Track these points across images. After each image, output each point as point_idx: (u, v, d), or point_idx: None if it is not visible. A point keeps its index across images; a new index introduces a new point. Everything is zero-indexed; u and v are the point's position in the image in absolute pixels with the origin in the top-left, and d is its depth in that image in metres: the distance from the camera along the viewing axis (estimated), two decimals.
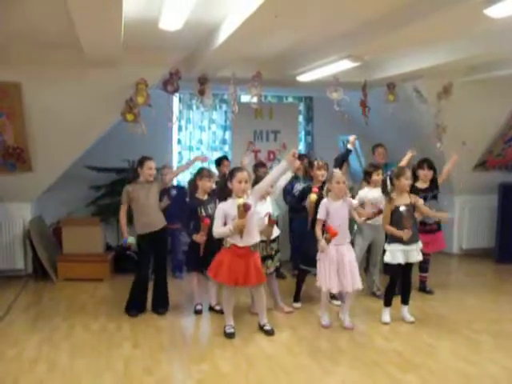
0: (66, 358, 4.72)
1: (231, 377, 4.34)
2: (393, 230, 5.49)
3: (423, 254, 5.90)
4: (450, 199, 8.84)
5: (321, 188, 5.94)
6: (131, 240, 5.80)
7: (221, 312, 5.87)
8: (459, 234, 9.07)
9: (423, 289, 6.68)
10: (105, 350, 4.90)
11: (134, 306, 5.91)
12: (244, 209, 4.86)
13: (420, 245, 5.57)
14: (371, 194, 6.21)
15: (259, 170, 6.94)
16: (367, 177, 6.35)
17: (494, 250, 8.60)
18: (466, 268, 8.37)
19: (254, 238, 5.15)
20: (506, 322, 5.74)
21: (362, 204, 6.09)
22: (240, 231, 4.96)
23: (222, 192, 5.32)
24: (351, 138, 6.76)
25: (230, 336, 5.20)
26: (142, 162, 5.89)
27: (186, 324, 5.84)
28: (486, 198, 8.79)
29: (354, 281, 5.35)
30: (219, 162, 7.75)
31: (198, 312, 5.99)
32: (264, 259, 5.61)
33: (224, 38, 4.84)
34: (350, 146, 6.77)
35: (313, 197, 5.81)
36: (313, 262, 5.67)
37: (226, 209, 5.06)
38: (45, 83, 6.27)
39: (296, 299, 6.24)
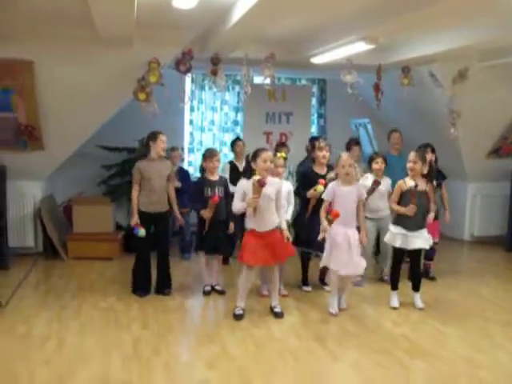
0: (75, 335, 4.74)
1: (239, 359, 4.33)
2: (397, 207, 5.48)
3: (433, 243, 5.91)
4: (463, 186, 8.78)
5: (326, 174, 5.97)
6: (142, 233, 5.72)
7: (221, 292, 5.95)
8: (471, 221, 9.00)
9: (426, 275, 6.59)
10: (113, 329, 4.91)
11: (140, 286, 5.91)
12: (259, 184, 4.89)
13: (425, 233, 5.52)
14: (370, 182, 6.24)
15: (281, 150, 6.86)
16: (369, 164, 6.34)
17: (506, 238, 8.53)
18: (477, 255, 8.32)
19: (271, 223, 5.18)
20: None
21: None
22: (254, 207, 5.01)
23: (241, 173, 5.34)
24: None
25: (238, 318, 5.20)
26: (155, 135, 5.81)
27: (195, 305, 5.85)
28: (499, 185, 8.71)
29: (357, 265, 5.33)
30: (233, 144, 7.69)
31: (206, 293, 5.99)
32: None
33: (238, 18, 4.78)
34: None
35: (319, 188, 5.76)
36: (310, 243, 5.74)
37: (247, 187, 5.08)
38: (57, 61, 6.24)
39: (305, 283, 6.24)
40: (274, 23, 5.10)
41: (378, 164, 6.25)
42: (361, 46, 5.91)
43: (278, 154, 5.81)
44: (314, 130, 9.64)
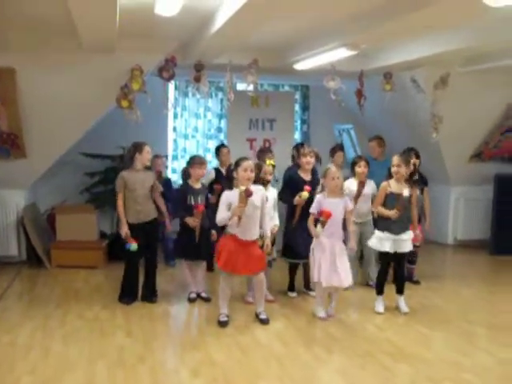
0: (60, 344, 4.71)
1: (224, 365, 4.32)
2: (382, 210, 5.51)
3: (414, 247, 5.93)
4: (446, 190, 8.84)
5: (311, 182, 5.98)
6: (134, 248, 5.66)
7: (207, 299, 5.95)
8: (454, 225, 9.07)
9: (409, 279, 6.58)
10: (98, 337, 4.88)
11: (127, 294, 5.89)
12: (245, 194, 4.89)
13: (411, 235, 5.56)
14: (355, 185, 6.27)
15: (269, 156, 6.85)
16: (352, 168, 6.40)
17: (489, 242, 8.60)
18: (461, 259, 8.38)
19: (254, 233, 5.19)
20: (500, 313, 5.76)
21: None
22: (238, 217, 4.98)
23: (224, 182, 5.35)
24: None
25: (223, 324, 5.19)
26: (140, 146, 5.76)
27: (180, 312, 5.83)
28: (482, 189, 8.79)
29: (346, 276, 5.34)
30: (218, 151, 7.58)
31: (191, 300, 5.97)
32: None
33: (221, 24, 4.79)
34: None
35: (304, 195, 5.80)
36: (298, 254, 5.86)
37: (231, 197, 5.06)
38: (39, 69, 6.22)
39: (290, 289, 6.26)
40: (256, 30, 5.11)
41: (361, 168, 6.29)
42: (343, 52, 5.94)
43: (268, 162, 5.81)
44: (297, 136, 9.67)
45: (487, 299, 6.26)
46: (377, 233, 5.61)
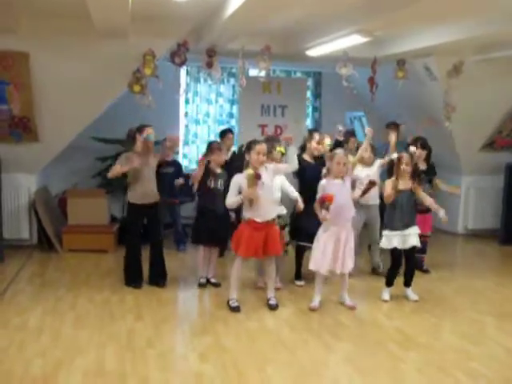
0: (70, 328, 4.75)
1: (233, 351, 4.34)
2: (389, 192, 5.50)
3: (422, 236, 5.94)
4: (457, 179, 8.80)
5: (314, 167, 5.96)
6: (151, 137, 5.68)
7: (217, 285, 5.97)
8: (465, 214, 9.03)
9: (420, 267, 6.58)
10: (108, 321, 4.92)
11: (133, 279, 5.91)
12: (255, 177, 4.90)
13: (417, 230, 5.56)
14: (364, 172, 6.20)
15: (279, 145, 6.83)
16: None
17: (499, 231, 8.57)
18: (471, 248, 8.36)
19: (271, 213, 5.21)
20: (509, 303, 5.75)
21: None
22: (250, 200, 5.00)
23: (235, 164, 5.30)
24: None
25: (235, 309, 5.21)
26: (140, 128, 5.76)
27: (189, 297, 5.86)
28: (493, 178, 8.73)
29: (344, 263, 5.32)
30: (223, 135, 7.51)
31: (201, 285, 6.00)
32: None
33: (234, 9, 4.75)
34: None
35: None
36: (308, 237, 5.67)
37: (241, 180, 5.07)
38: (52, 53, 6.23)
39: (298, 277, 6.24)
40: (269, 15, 5.09)
41: (367, 153, 6.26)
42: (356, 39, 5.92)
43: (278, 149, 5.77)
44: (308, 122, 9.64)
45: (496, 289, 6.24)
46: (384, 232, 5.63)
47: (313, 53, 7.03)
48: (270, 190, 5.17)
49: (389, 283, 5.71)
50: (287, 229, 5.94)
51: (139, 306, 5.35)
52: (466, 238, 8.91)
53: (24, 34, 6.02)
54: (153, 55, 6.39)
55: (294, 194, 5.71)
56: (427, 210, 6.15)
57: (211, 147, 5.99)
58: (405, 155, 5.53)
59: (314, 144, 6.09)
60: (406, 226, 5.50)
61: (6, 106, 6.60)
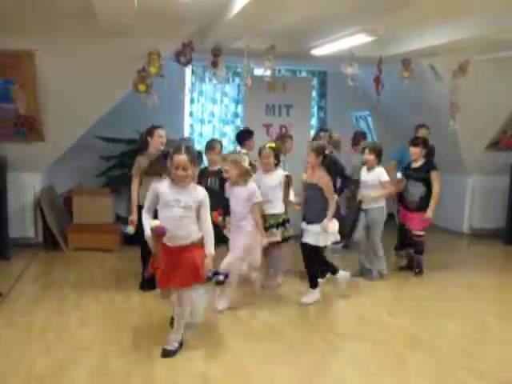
0: (75, 326, 4.77)
1: (238, 350, 4.36)
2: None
3: (415, 236, 6.17)
4: (462, 179, 8.78)
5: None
6: (130, 231, 5.55)
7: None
8: (470, 214, 9.01)
9: (417, 267, 6.52)
10: (113, 321, 4.93)
11: (148, 282, 5.48)
12: (156, 233, 3.99)
13: (315, 229, 5.36)
14: (370, 176, 6.21)
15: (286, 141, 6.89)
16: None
17: (504, 231, 8.54)
18: (476, 248, 8.34)
19: (185, 237, 4.11)
20: None
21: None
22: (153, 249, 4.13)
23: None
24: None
25: (166, 354, 4.21)
26: (150, 131, 5.73)
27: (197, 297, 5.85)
28: (498, 178, 8.70)
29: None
30: (247, 137, 6.91)
31: (219, 283, 5.92)
32: (268, 227, 5.58)
33: (239, 8, 4.76)
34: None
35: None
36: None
37: (159, 189, 4.15)
38: (58, 52, 6.25)
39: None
40: (274, 15, 5.09)
41: (366, 154, 6.24)
42: (361, 38, 5.91)
43: (267, 145, 5.76)
44: (313, 122, 9.64)
45: (501, 289, 6.25)
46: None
47: (318, 52, 7.03)
48: (187, 211, 4.08)
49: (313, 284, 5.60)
50: (287, 224, 5.84)
51: (144, 305, 5.36)
52: (471, 237, 8.89)
53: (30, 33, 6.04)
54: (158, 54, 6.40)
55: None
56: (418, 209, 6.16)
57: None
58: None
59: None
60: (307, 221, 5.44)
61: (11, 106, 6.62)
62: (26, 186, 7.49)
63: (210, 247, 4.19)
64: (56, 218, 7.58)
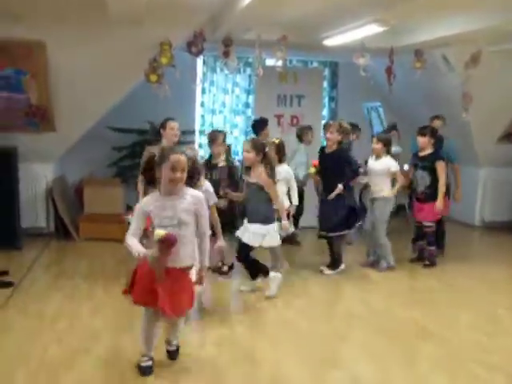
0: (87, 316, 4.79)
1: (248, 341, 4.36)
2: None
3: (424, 226, 6.22)
4: (474, 171, 8.73)
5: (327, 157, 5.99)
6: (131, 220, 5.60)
7: (225, 273, 5.82)
8: (482, 207, 8.97)
9: (430, 260, 6.51)
10: (124, 309, 4.93)
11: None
12: (169, 242, 3.43)
13: (254, 229, 5.18)
14: (376, 165, 6.22)
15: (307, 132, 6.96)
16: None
17: None
18: (488, 240, 8.31)
19: (181, 259, 3.65)
20: None
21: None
22: (156, 269, 3.54)
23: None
24: None
25: (144, 371, 3.81)
26: (163, 123, 5.72)
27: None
28: (510, 170, 8.66)
29: None
30: (261, 126, 7.03)
31: (223, 273, 5.89)
32: None
33: None
34: None
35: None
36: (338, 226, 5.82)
37: (149, 206, 3.65)
38: (69, 42, 6.26)
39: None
40: (286, 4, 5.07)
41: (374, 143, 6.25)
42: (373, 29, 5.88)
43: (273, 139, 5.71)
44: (325, 113, 9.61)
45: None
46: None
47: (330, 42, 7.00)
48: (185, 225, 3.61)
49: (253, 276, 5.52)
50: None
51: None
52: (482, 230, 8.86)
53: (40, 23, 6.04)
54: (169, 44, 6.39)
55: (294, 198, 5.84)
56: (425, 200, 6.16)
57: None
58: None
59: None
60: (249, 220, 5.27)
61: (23, 96, 6.64)
62: (38, 177, 7.52)
63: (205, 259, 3.85)
64: (67, 208, 7.61)
